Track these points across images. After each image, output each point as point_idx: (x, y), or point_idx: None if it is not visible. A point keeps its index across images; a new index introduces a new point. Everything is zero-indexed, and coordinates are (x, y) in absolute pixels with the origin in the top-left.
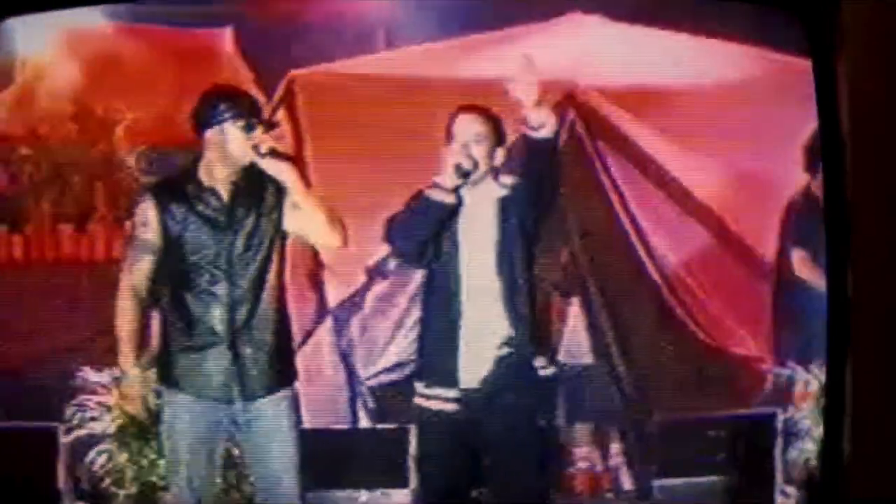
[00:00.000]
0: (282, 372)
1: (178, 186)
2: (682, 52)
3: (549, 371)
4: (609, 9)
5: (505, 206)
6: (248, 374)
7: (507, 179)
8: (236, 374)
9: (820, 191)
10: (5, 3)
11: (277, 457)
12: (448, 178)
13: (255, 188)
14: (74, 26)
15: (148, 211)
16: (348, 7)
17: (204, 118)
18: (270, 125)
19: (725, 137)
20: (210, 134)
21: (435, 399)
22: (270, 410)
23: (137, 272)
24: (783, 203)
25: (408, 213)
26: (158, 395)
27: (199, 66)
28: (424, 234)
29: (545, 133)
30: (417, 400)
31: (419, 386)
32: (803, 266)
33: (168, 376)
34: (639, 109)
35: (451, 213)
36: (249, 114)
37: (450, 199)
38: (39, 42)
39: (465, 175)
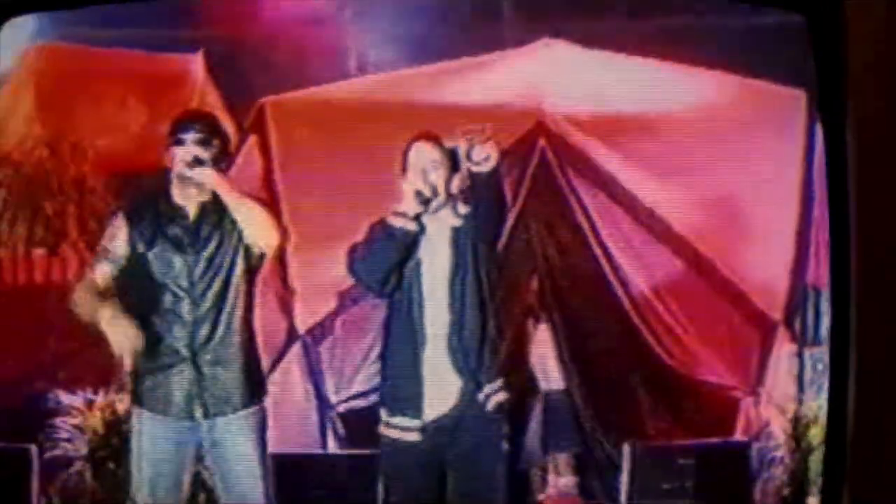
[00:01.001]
0: (246, 391)
1: (150, 205)
2: (654, 78)
3: (499, 398)
4: (580, 35)
5: (456, 237)
6: (210, 393)
7: (462, 209)
8: (198, 392)
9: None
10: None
11: (244, 478)
12: (409, 205)
13: (220, 208)
14: (47, 48)
15: (119, 227)
16: (319, 34)
17: (172, 140)
18: (205, 140)
19: (699, 165)
20: (178, 157)
21: (397, 429)
22: (235, 430)
23: (98, 273)
24: (759, 231)
25: (370, 244)
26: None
27: (169, 90)
28: (387, 265)
29: (487, 167)
30: (382, 428)
31: (384, 414)
32: None
33: (134, 394)
34: (610, 137)
35: (412, 241)
36: (185, 129)
37: (411, 226)
38: (10, 65)
39: (426, 202)
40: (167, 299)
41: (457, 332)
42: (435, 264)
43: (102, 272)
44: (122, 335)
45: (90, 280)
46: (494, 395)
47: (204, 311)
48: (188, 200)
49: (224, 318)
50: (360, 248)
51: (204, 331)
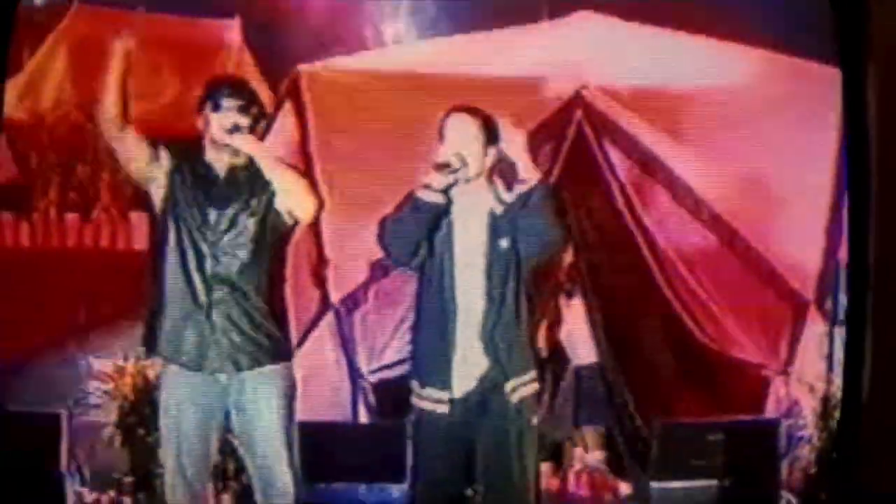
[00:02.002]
0: (264, 349)
1: (191, 157)
2: (690, 53)
3: (526, 391)
4: (620, 7)
5: (497, 226)
6: (224, 345)
7: (503, 194)
8: (211, 343)
9: None
10: None
11: (268, 443)
12: (436, 178)
13: (250, 172)
14: (83, 11)
15: (165, 156)
16: (356, 2)
17: (208, 104)
18: (245, 108)
19: (735, 142)
20: (213, 121)
21: (428, 400)
22: (260, 390)
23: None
24: (792, 209)
25: (398, 215)
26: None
27: (205, 56)
28: (414, 237)
29: (527, 187)
30: (413, 399)
31: (415, 386)
32: None
33: (152, 342)
34: (647, 111)
35: (440, 214)
36: (223, 95)
37: (439, 199)
38: (48, 28)
39: (453, 173)
40: (190, 252)
41: (492, 319)
42: (468, 241)
43: (139, 158)
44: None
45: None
46: (523, 387)
47: (224, 266)
48: (220, 162)
49: (244, 276)
50: (388, 220)
51: (222, 286)
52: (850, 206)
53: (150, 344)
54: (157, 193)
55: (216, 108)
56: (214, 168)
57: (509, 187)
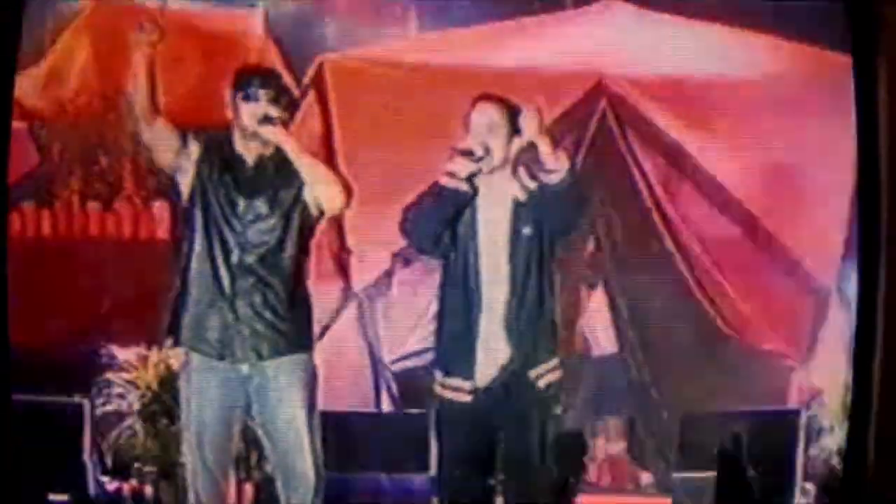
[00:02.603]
0: (287, 339)
1: (219, 145)
2: (714, 43)
3: (552, 377)
4: None
5: (519, 214)
6: (246, 335)
7: (528, 182)
8: (235, 333)
9: None
10: None
11: (289, 432)
12: (460, 165)
13: (278, 163)
14: (105, 2)
15: (194, 144)
16: None
17: (237, 94)
18: (276, 98)
19: (757, 132)
20: (242, 110)
21: (452, 390)
22: (282, 380)
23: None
24: (814, 199)
25: (421, 203)
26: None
27: (229, 46)
28: (437, 225)
29: (557, 178)
30: (436, 388)
31: (438, 375)
32: None
33: (176, 330)
34: (670, 101)
35: (466, 202)
36: (254, 86)
37: (463, 186)
38: (70, 18)
39: (477, 161)
40: (217, 241)
41: (515, 307)
42: (492, 229)
43: (168, 149)
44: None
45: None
46: (548, 374)
47: (250, 256)
48: (248, 151)
49: (269, 266)
50: (412, 208)
51: (247, 276)
52: (860, 196)
53: (175, 332)
54: (185, 182)
55: (247, 97)
56: (243, 158)
57: (533, 176)
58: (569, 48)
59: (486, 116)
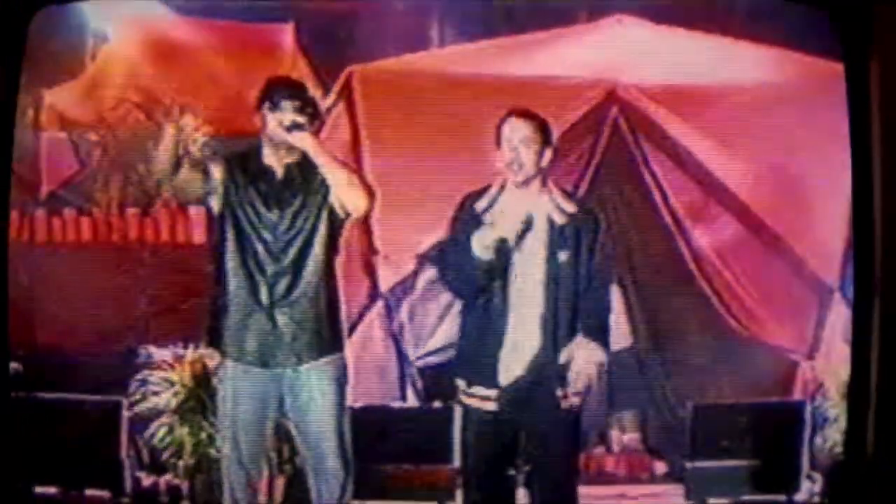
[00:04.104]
0: (323, 342)
1: (244, 162)
2: (719, 54)
3: (571, 402)
4: (650, 12)
5: (555, 238)
6: (286, 342)
7: (564, 204)
8: (274, 341)
9: None
10: None
11: (320, 428)
12: (487, 237)
13: (306, 170)
14: (143, 18)
15: (217, 170)
16: (403, 7)
17: (267, 105)
18: (302, 108)
19: (760, 135)
20: (272, 121)
21: (476, 398)
22: (315, 378)
23: (186, 180)
24: (816, 200)
25: (457, 263)
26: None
27: (260, 59)
28: (475, 282)
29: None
30: (460, 396)
31: (461, 384)
32: None
33: (216, 341)
34: (678, 107)
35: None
36: (281, 96)
37: (492, 256)
38: (108, 33)
39: (504, 241)
40: (250, 252)
41: (548, 318)
42: (526, 251)
43: (193, 181)
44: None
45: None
46: (565, 399)
47: (284, 265)
48: (277, 162)
49: (303, 273)
50: (448, 258)
51: (283, 284)
52: (854, 200)
53: (215, 343)
54: (215, 202)
55: (274, 107)
56: (272, 169)
57: (567, 195)
58: (583, 59)
59: (519, 131)
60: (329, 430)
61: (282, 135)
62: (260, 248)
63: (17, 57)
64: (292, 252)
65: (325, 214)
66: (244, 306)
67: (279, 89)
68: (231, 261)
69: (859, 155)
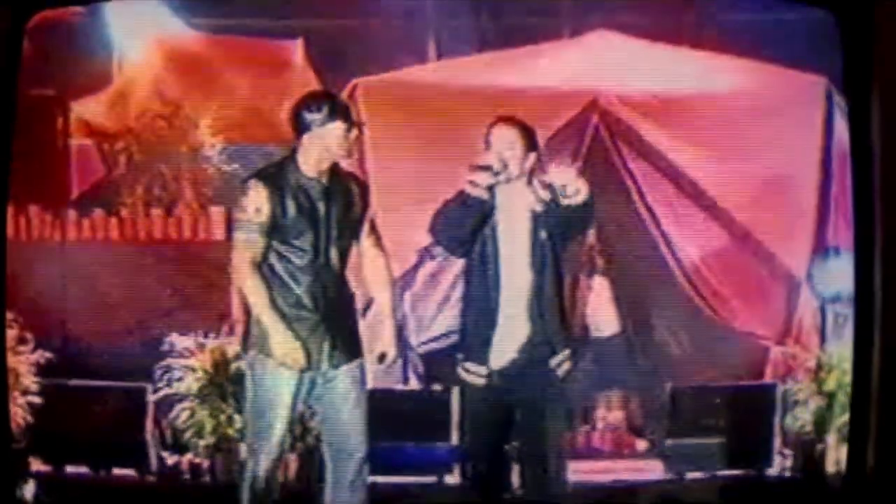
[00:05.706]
0: (356, 344)
1: (279, 175)
2: (695, 66)
3: (565, 368)
4: (631, 26)
5: (537, 224)
6: (332, 346)
7: (542, 193)
8: (322, 345)
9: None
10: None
11: (349, 418)
12: (480, 177)
13: (343, 180)
14: (165, 35)
15: (261, 197)
16: (403, 24)
17: (307, 117)
18: (359, 128)
19: (734, 143)
20: (313, 132)
21: (468, 373)
22: (347, 377)
23: (255, 251)
24: (787, 200)
25: (449, 210)
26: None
27: (272, 73)
28: (463, 228)
29: (581, 199)
30: (458, 369)
31: (459, 357)
32: None
33: (262, 345)
34: (656, 116)
35: (487, 208)
36: (312, 109)
37: (484, 194)
38: (134, 49)
39: (495, 175)
40: (295, 260)
41: (534, 299)
42: (511, 232)
43: (258, 249)
44: (262, 299)
45: (254, 261)
46: (566, 362)
47: (328, 271)
48: (312, 171)
49: (343, 278)
50: (440, 214)
51: (328, 290)
52: (854, 200)
53: (260, 346)
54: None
55: (309, 114)
56: (308, 177)
57: (547, 187)
58: (567, 71)
59: (505, 136)
60: (352, 419)
61: (342, 154)
62: (305, 253)
63: (17, 57)
64: (335, 257)
65: (361, 220)
66: (289, 314)
67: (311, 102)
68: (276, 268)
69: (859, 155)
